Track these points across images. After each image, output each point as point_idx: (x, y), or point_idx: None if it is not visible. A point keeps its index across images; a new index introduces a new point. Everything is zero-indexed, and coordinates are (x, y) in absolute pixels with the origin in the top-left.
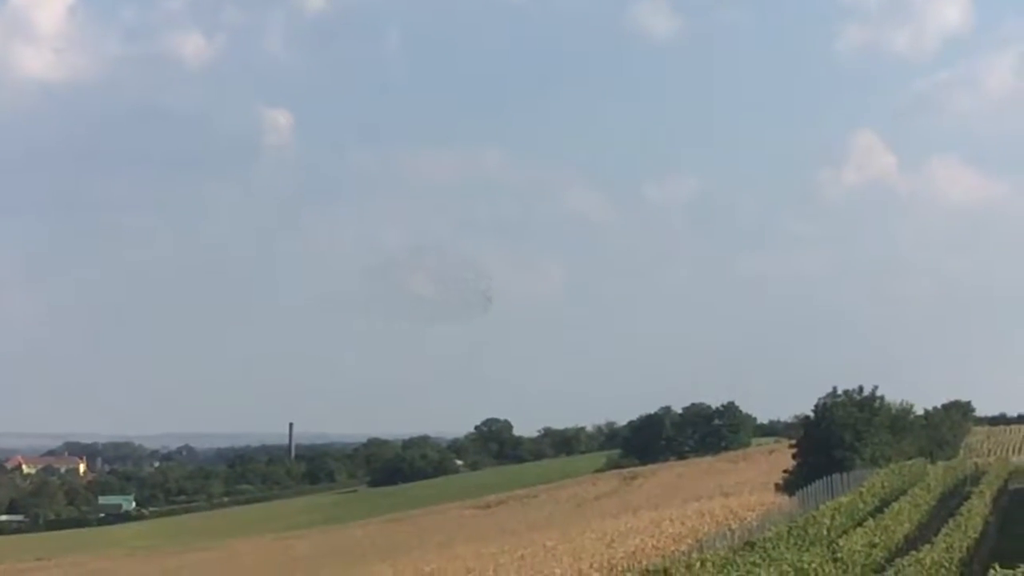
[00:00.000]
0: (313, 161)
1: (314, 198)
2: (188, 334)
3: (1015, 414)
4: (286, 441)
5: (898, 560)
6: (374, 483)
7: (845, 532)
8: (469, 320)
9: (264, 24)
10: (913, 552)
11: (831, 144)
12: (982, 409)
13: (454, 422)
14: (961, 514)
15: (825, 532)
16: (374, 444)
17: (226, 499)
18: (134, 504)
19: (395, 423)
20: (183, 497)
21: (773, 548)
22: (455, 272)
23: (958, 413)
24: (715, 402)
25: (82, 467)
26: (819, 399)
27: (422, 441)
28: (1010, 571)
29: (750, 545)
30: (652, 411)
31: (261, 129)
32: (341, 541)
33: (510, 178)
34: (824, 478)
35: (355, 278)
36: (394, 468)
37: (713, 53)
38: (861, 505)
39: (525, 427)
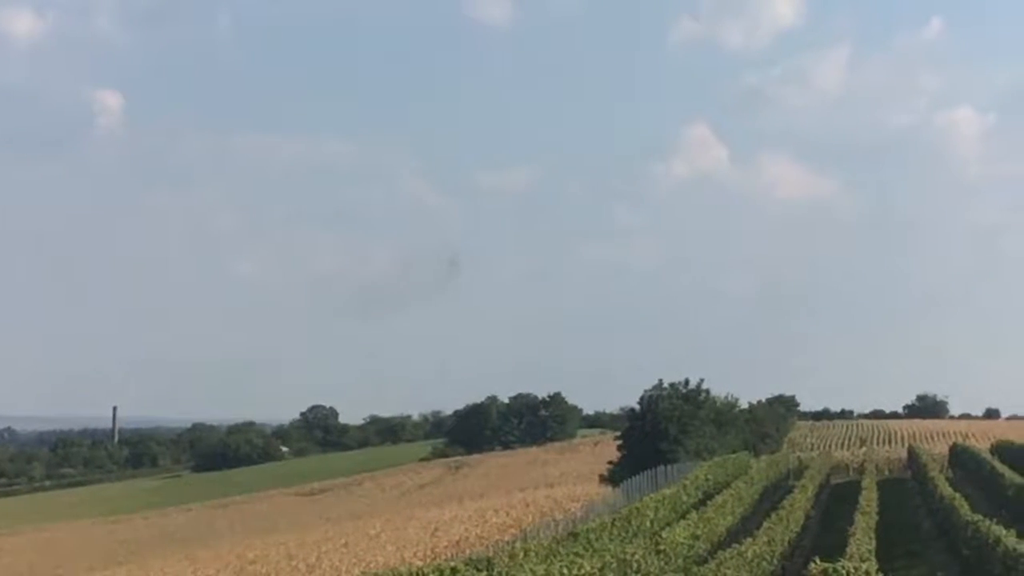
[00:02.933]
0: (144, 144)
1: (145, 181)
2: (10, 315)
3: (838, 409)
4: (110, 425)
5: (720, 553)
6: (198, 468)
7: (668, 524)
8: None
9: (97, 2)
10: (735, 545)
11: (663, 136)
12: (806, 404)
13: (279, 408)
14: (783, 507)
15: (648, 524)
16: (199, 429)
17: (48, 483)
18: None
19: (220, 408)
20: (3, 480)
21: (596, 539)
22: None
23: (782, 408)
24: (541, 393)
25: None
26: (645, 391)
27: (247, 427)
28: (830, 564)
29: (574, 536)
30: (478, 401)
31: (91, 110)
32: (164, 526)
33: (344, 164)
34: (648, 470)
35: (183, 262)
36: (218, 454)
37: (547, 43)
38: (685, 497)
39: (351, 415)
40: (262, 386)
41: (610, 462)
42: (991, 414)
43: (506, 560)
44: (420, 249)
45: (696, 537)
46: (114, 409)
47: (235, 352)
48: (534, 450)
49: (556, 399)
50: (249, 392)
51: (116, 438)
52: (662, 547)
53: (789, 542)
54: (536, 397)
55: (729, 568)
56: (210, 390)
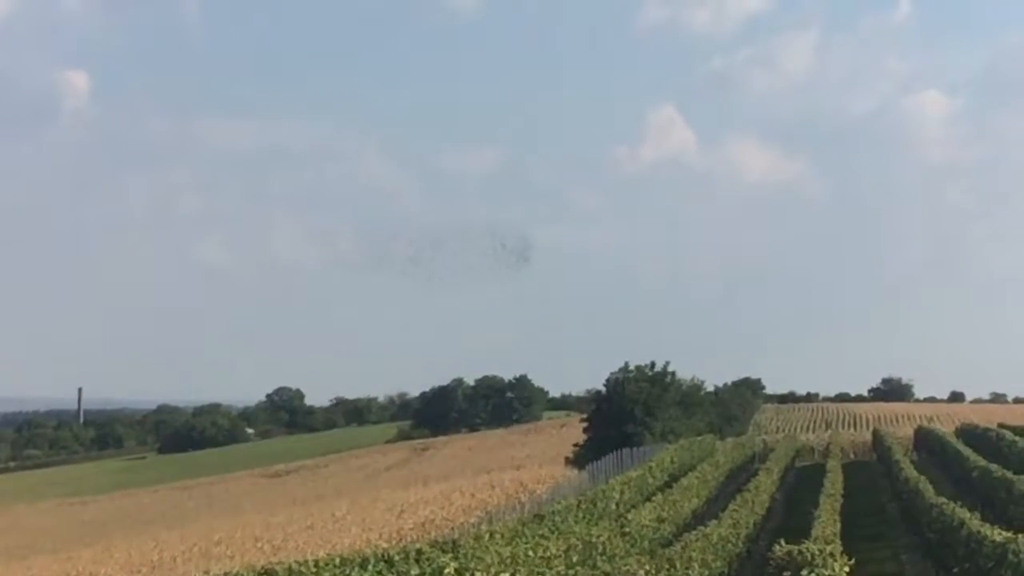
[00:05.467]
0: (110, 125)
1: (111, 162)
2: None
3: (803, 392)
4: (75, 406)
5: (686, 535)
6: (164, 450)
7: (634, 506)
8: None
9: None
10: (700, 527)
11: (630, 120)
12: (771, 387)
13: (245, 390)
14: (749, 490)
15: (614, 506)
16: (164, 411)
17: (12, 464)
18: None
19: (186, 390)
20: None
21: (562, 521)
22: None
23: (748, 390)
24: (507, 375)
25: None
26: (611, 374)
27: (213, 409)
28: (795, 547)
29: (539, 518)
30: (444, 383)
31: (58, 91)
32: (129, 507)
33: (309, 145)
34: (614, 452)
35: (149, 243)
36: (184, 435)
37: (514, 27)
38: (650, 480)
39: (316, 396)
40: (228, 368)
41: (576, 444)
42: (956, 397)
43: (471, 542)
44: (384, 230)
45: (662, 520)
46: (79, 390)
47: (201, 333)
48: (500, 432)
49: (522, 381)
50: (215, 374)
51: (82, 419)
52: (628, 529)
53: (754, 525)
54: (502, 379)
55: (694, 551)
56: (176, 372)
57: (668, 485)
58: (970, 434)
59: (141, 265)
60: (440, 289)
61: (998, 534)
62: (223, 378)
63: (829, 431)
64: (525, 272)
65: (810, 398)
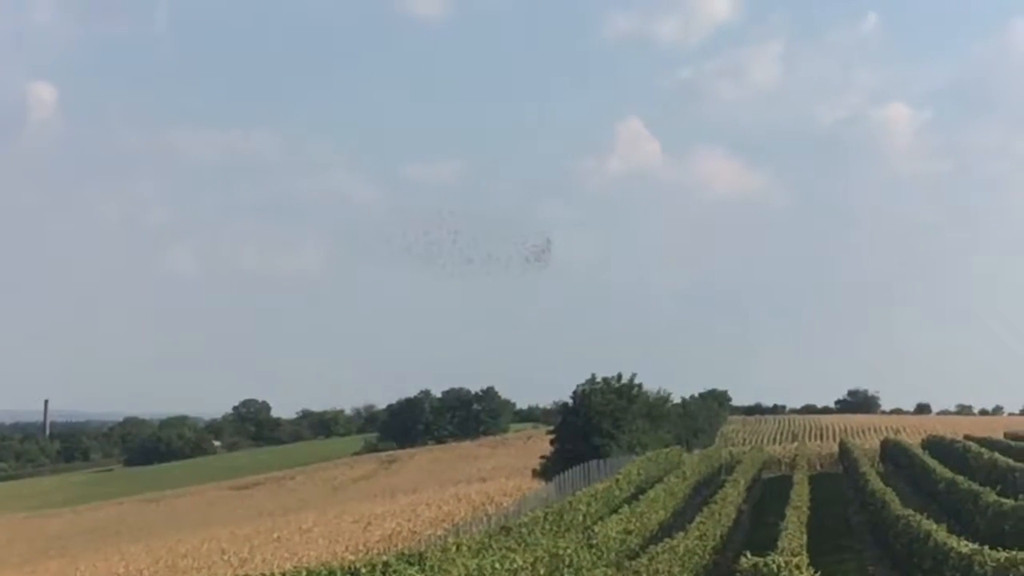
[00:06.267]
0: (78, 136)
1: (78, 175)
2: None
3: (770, 404)
4: (41, 419)
5: (652, 547)
6: (130, 462)
7: (601, 519)
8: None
9: None
10: (668, 539)
11: (596, 131)
12: (738, 399)
13: (212, 402)
14: (715, 502)
15: (581, 518)
16: (131, 423)
17: None
18: None
19: (153, 402)
20: None
21: (529, 533)
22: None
23: (714, 402)
24: (474, 387)
25: None
26: (578, 386)
27: (179, 421)
28: (761, 559)
29: (506, 530)
30: (411, 395)
31: (25, 103)
32: (96, 520)
33: (273, 157)
34: (581, 464)
35: (116, 255)
36: (151, 448)
37: (479, 38)
38: (617, 492)
39: (283, 409)
40: (195, 380)
41: (543, 456)
42: (922, 409)
43: (438, 554)
44: (351, 241)
45: (628, 532)
46: (45, 403)
47: (168, 345)
48: (466, 444)
49: (489, 394)
50: (182, 386)
51: (48, 432)
52: (594, 541)
53: (721, 537)
54: (469, 392)
55: (661, 563)
56: (142, 384)
57: (635, 497)
58: (936, 446)
59: (108, 276)
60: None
61: (964, 546)
62: (190, 390)
63: (796, 443)
64: (494, 283)
65: (777, 410)
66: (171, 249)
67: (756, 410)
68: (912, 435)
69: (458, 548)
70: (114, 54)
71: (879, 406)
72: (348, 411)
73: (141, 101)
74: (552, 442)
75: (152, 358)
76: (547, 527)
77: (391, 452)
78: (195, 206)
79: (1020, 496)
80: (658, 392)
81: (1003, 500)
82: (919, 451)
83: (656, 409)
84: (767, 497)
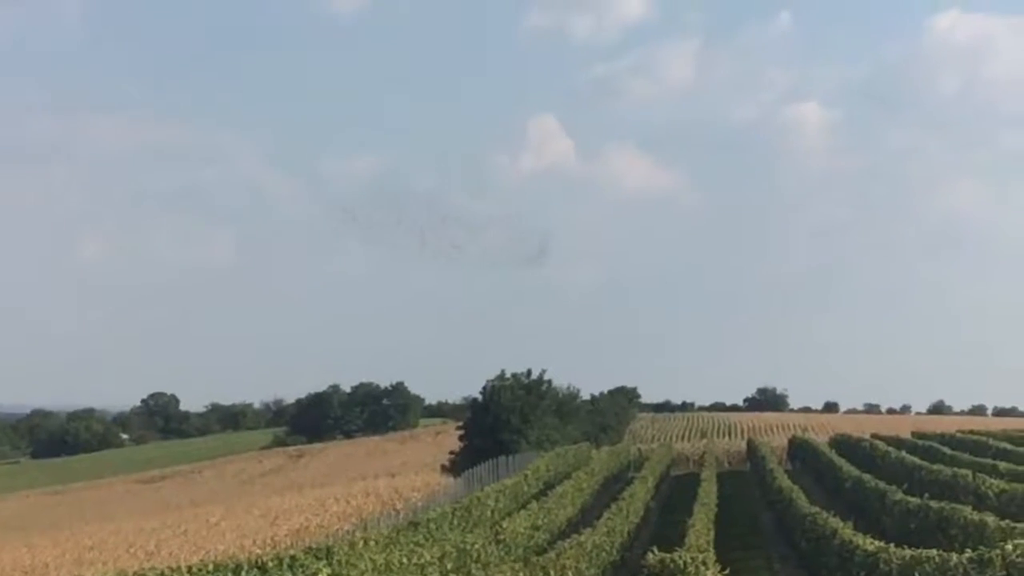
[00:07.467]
0: None
1: None
2: None
3: (679, 401)
4: None
5: (560, 543)
6: (37, 455)
7: (509, 514)
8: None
9: None
10: (575, 535)
11: (510, 128)
12: (647, 396)
13: (120, 395)
14: (624, 498)
15: (489, 514)
16: (38, 415)
17: None
18: None
19: (60, 395)
20: None
21: (437, 528)
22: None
23: (624, 399)
24: (384, 382)
25: None
26: (487, 381)
27: (87, 414)
28: (668, 555)
29: (414, 525)
30: (320, 389)
31: None
32: (2, 513)
33: (188, 148)
34: (490, 460)
35: (21, 244)
36: (58, 440)
37: (394, 32)
38: (526, 488)
39: (192, 402)
40: (103, 373)
41: (452, 452)
42: (830, 407)
43: (346, 549)
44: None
45: (536, 527)
46: None
47: (76, 337)
48: (376, 439)
49: (398, 389)
50: (90, 379)
51: None
52: (502, 537)
53: (629, 533)
54: (378, 386)
55: (568, 558)
56: (50, 377)
57: (543, 493)
58: (843, 444)
59: (14, 267)
60: (316, 294)
61: (870, 543)
62: (98, 383)
63: (704, 440)
64: (405, 278)
65: (686, 407)
66: (79, 239)
67: (665, 407)
68: (820, 433)
69: (366, 543)
70: (22, 40)
71: (787, 404)
72: (257, 405)
73: (50, 88)
74: (461, 438)
75: (60, 350)
76: (455, 522)
77: (300, 446)
78: (104, 195)
79: (926, 495)
80: (567, 388)
81: (909, 499)
82: (827, 449)
83: (565, 405)
84: (675, 494)
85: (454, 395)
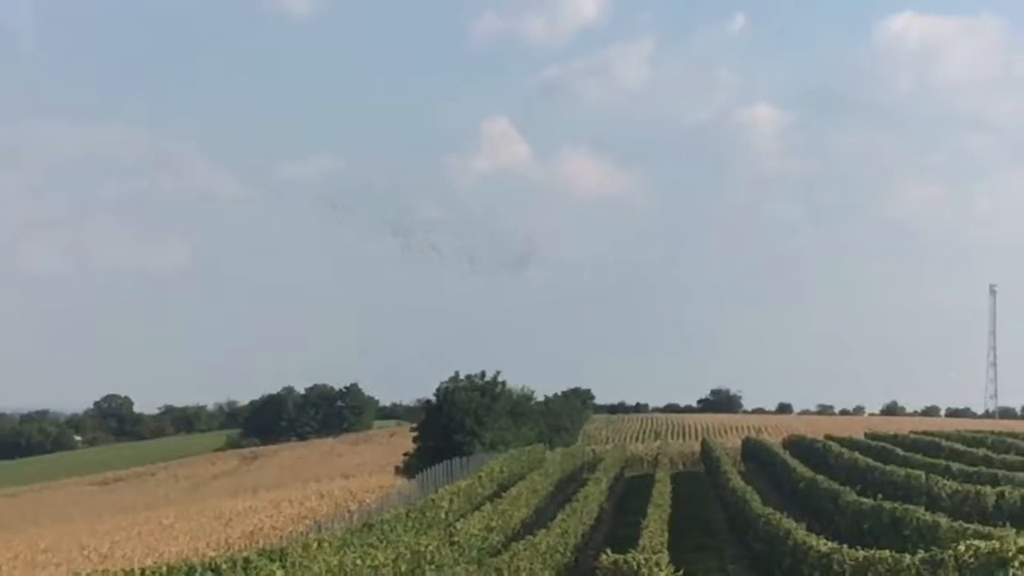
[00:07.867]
0: None
1: None
2: None
3: (633, 403)
4: None
5: (514, 544)
6: None
7: (463, 516)
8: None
9: None
10: (529, 536)
11: (464, 130)
12: (601, 397)
13: (73, 397)
14: (577, 500)
15: (443, 515)
16: None
17: None
18: None
19: (13, 397)
20: None
21: (391, 530)
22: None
23: (578, 401)
24: (338, 384)
25: None
26: (441, 383)
27: (40, 416)
28: (622, 556)
29: (368, 527)
30: (274, 391)
31: None
32: None
33: (138, 153)
34: (444, 462)
35: None
36: (10, 442)
37: (348, 34)
38: (480, 489)
39: (145, 404)
40: (55, 375)
41: (406, 454)
42: (784, 408)
43: (300, 551)
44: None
45: (490, 529)
46: None
47: (28, 340)
48: (330, 441)
49: (352, 390)
50: (42, 381)
51: None
52: (456, 539)
53: (582, 534)
54: (332, 388)
55: (522, 559)
56: (2, 379)
57: (497, 495)
58: (797, 445)
59: None
60: (271, 296)
61: (824, 544)
62: (51, 385)
63: (658, 441)
64: (359, 279)
65: (639, 408)
66: (31, 244)
67: (619, 408)
68: (774, 434)
69: (320, 545)
70: None
71: (741, 405)
72: (211, 407)
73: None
74: (415, 439)
75: (11, 352)
76: (409, 524)
77: (254, 448)
78: (55, 201)
79: (879, 496)
80: (522, 390)
81: (862, 500)
82: (780, 450)
83: (519, 407)
84: (629, 495)
85: (408, 397)
